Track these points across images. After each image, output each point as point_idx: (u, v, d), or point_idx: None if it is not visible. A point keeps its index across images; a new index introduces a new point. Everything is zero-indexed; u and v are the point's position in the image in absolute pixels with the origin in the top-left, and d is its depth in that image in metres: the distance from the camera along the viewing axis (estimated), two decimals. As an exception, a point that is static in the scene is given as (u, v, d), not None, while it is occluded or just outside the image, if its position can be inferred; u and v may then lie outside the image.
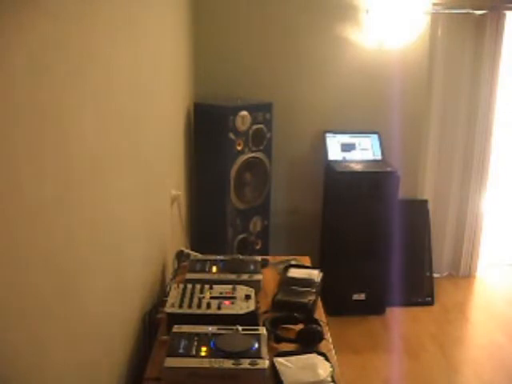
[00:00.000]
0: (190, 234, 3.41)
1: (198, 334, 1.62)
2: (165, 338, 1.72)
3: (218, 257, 2.23)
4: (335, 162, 3.65)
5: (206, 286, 1.91)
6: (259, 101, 3.46)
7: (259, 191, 3.56)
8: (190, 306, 1.78)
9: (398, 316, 3.63)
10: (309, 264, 2.45)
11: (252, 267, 2.14)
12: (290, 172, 3.92)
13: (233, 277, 2.05)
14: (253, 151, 3.41)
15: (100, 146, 1.42)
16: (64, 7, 1.15)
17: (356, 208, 3.51)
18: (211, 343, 1.58)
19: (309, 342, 1.77)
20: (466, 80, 3.91)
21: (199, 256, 2.31)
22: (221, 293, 1.87)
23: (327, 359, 1.66)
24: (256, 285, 1.99)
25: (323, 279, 2.18)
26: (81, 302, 1.29)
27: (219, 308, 1.78)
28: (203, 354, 1.54)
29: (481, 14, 3.76)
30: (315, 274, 2.21)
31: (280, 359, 1.64)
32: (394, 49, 3.73)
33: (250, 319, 1.74)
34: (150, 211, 2.17)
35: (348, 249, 3.56)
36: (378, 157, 3.76)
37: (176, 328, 1.66)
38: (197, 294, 1.86)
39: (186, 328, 1.65)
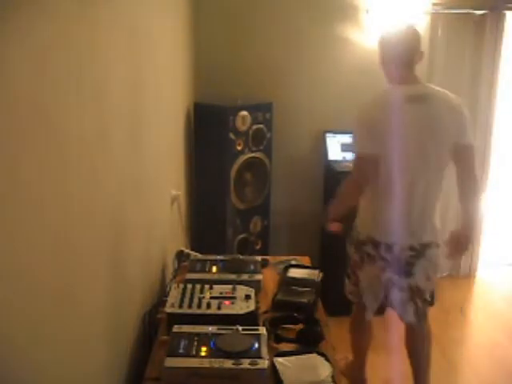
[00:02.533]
0: (190, 234, 3.41)
1: (198, 334, 1.62)
2: (165, 338, 1.72)
3: (218, 257, 2.23)
4: (335, 162, 3.65)
5: (206, 286, 1.91)
6: (259, 101, 3.46)
7: (259, 191, 3.56)
8: (190, 306, 1.79)
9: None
10: (309, 264, 2.45)
11: (252, 267, 2.14)
12: (290, 172, 3.91)
13: (233, 277, 2.05)
14: (253, 151, 3.40)
15: (100, 146, 1.42)
16: (64, 8, 1.15)
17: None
18: (211, 343, 1.58)
19: (309, 342, 1.77)
20: (466, 80, 3.90)
21: (199, 256, 2.31)
22: (221, 293, 1.87)
23: (327, 359, 1.66)
24: (256, 285, 1.99)
25: (323, 279, 2.18)
26: (80, 302, 1.29)
27: (219, 308, 1.78)
28: (203, 353, 1.54)
29: (481, 14, 3.76)
30: (315, 274, 2.21)
31: (280, 359, 1.64)
32: (394, 49, 3.72)
33: (249, 319, 1.74)
34: (150, 211, 2.17)
35: (348, 249, 3.55)
36: (378, 157, 3.75)
37: (176, 328, 1.66)
38: (197, 294, 1.86)
39: (185, 328, 1.65)
